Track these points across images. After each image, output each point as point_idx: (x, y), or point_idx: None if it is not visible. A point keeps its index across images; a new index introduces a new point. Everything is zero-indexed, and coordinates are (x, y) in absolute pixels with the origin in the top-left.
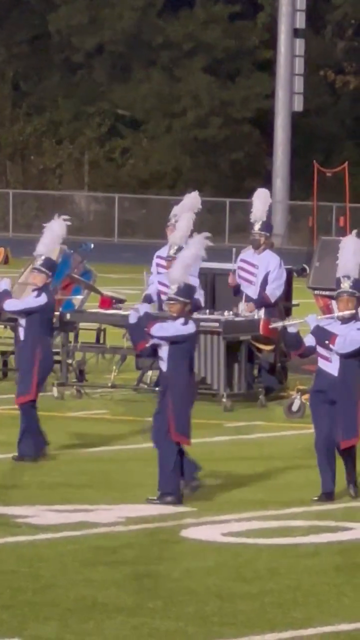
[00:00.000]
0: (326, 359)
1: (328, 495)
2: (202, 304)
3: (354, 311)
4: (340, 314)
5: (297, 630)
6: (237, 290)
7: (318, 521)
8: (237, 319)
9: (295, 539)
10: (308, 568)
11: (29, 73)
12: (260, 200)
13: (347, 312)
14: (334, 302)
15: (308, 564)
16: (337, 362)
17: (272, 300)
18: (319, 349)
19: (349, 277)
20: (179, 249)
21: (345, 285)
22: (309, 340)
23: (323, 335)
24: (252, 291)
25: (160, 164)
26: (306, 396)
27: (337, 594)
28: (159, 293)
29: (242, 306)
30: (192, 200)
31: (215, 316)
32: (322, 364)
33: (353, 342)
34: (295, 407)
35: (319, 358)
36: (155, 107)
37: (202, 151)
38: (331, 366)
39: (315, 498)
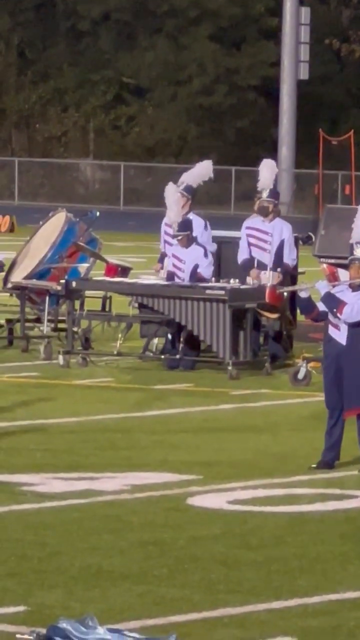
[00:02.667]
0: (335, 326)
1: (324, 463)
2: (210, 275)
3: None
4: (352, 281)
5: (303, 598)
6: (247, 264)
7: (324, 489)
8: (242, 286)
9: (301, 507)
10: (314, 536)
11: (35, 41)
12: (267, 168)
13: (358, 280)
14: (340, 270)
15: (314, 531)
16: (345, 330)
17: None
18: (329, 317)
19: None
20: (181, 224)
21: (358, 252)
22: (322, 305)
23: (332, 303)
24: (266, 259)
25: (165, 131)
26: (312, 364)
27: (342, 561)
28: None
29: (268, 274)
30: (203, 170)
31: (220, 284)
32: (331, 331)
33: None
34: (301, 375)
35: (329, 325)
36: (160, 75)
37: (207, 119)
38: (340, 334)
39: (314, 465)
